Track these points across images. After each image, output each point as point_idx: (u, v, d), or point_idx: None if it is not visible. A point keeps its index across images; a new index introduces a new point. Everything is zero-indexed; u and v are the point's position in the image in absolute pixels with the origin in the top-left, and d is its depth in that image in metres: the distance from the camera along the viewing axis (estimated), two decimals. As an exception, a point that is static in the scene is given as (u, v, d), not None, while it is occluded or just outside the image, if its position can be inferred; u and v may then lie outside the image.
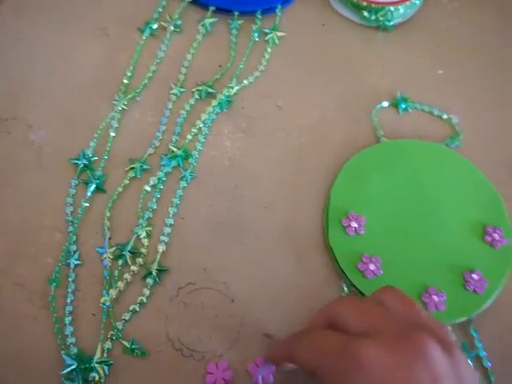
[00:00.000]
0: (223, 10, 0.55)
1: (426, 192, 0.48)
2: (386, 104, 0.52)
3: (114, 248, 0.44)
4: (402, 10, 0.55)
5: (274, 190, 0.48)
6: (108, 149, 0.47)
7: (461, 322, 0.44)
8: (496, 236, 0.46)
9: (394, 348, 0.28)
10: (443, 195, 0.48)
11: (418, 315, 0.32)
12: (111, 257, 0.43)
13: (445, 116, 0.52)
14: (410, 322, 0.31)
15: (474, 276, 0.45)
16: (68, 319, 0.41)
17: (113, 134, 0.48)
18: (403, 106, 0.52)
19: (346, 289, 0.44)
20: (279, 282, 0.45)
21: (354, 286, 0.44)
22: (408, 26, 0.57)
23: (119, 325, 0.41)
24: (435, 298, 0.43)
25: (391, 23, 0.56)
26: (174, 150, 0.47)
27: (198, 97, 0.50)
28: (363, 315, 0.32)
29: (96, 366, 0.40)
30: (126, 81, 0.50)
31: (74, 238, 0.44)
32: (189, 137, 0.48)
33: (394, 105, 0.52)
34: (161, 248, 0.44)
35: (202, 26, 0.54)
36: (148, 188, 0.46)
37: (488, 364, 0.43)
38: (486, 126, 0.53)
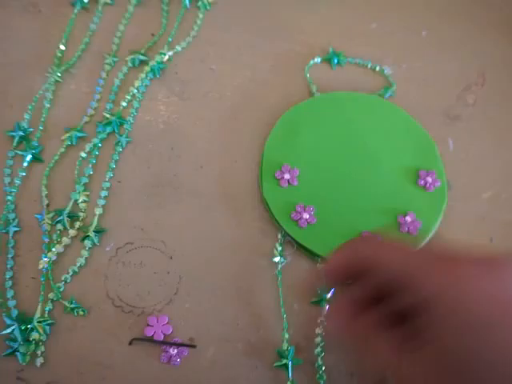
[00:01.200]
0: (154, -20, 0.55)
1: (359, 141, 0.49)
2: (318, 60, 0.53)
3: (53, 214, 0.45)
4: (331, -33, 0.56)
5: (210, 150, 0.49)
6: (43, 120, 0.48)
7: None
8: (429, 179, 0.47)
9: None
10: (377, 144, 0.49)
11: None
12: (50, 222, 0.44)
13: (378, 68, 0.53)
14: None
15: (408, 218, 0.46)
16: (8, 283, 0.42)
17: (48, 106, 0.48)
18: (336, 60, 0.53)
19: (281, 238, 0.45)
20: (216, 237, 0.46)
21: (290, 236, 0.45)
22: (340, -18, 0.58)
23: (59, 286, 0.42)
24: (369, 241, 0.44)
25: (322, -19, 0.56)
26: (108, 116, 0.48)
27: (131, 65, 0.51)
28: None
29: (36, 325, 0.41)
30: (59, 54, 0.51)
31: (13, 206, 0.45)
32: (123, 104, 0.49)
33: (327, 60, 0.53)
34: (98, 211, 0.45)
35: (134, -4, 0.54)
36: (84, 154, 0.47)
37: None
38: (419, 76, 0.54)
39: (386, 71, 0.53)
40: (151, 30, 0.53)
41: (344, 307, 0.33)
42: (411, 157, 0.49)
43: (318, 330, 0.43)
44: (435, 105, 0.52)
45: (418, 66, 0.54)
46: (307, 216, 0.45)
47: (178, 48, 0.52)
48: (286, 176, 0.46)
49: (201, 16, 0.54)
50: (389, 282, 0.31)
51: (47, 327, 0.41)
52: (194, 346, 0.42)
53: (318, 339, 0.43)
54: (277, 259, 0.45)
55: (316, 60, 0.53)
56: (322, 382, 0.41)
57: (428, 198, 0.47)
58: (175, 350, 0.41)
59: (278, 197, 0.46)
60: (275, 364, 0.42)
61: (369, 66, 0.53)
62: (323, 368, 0.42)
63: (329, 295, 0.43)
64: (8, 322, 0.41)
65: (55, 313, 0.42)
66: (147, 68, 0.50)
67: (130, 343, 0.41)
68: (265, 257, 0.45)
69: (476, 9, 0.58)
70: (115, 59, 0.51)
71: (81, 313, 0.42)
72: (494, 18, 0.58)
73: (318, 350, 0.42)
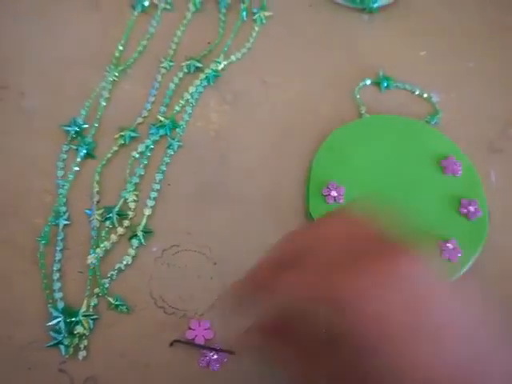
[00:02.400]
0: (213, -11, 0.57)
1: (404, 165, 0.50)
2: (368, 82, 0.54)
3: (102, 210, 0.45)
4: (386, -7, 0.57)
5: (258, 160, 0.49)
6: (98, 117, 0.49)
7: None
8: (471, 208, 0.48)
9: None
10: (421, 168, 0.50)
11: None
12: (99, 218, 0.45)
13: (425, 95, 0.54)
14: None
15: (449, 245, 0.46)
16: (56, 275, 0.43)
17: (103, 104, 0.49)
18: (385, 84, 0.54)
19: (323, 254, 0.46)
20: (260, 247, 0.46)
21: (332, 252, 0.46)
22: (393, 8, 0.59)
23: (105, 282, 0.43)
24: (410, 264, 0.45)
25: (376, 5, 0.57)
26: (162, 119, 0.49)
27: (186, 70, 0.52)
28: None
29: (81, 319, 0.41)
30: (117, 54, 0.52)
31: (64, 200, 0.45)
32: (176, 108, 0.50)
33: (377, 83, 0.54)
34: (147, 211, 0.46)
35: (192, 3, 0.55)
36: (136, 155, 0.48)
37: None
38: (465, 105, 0.54)
39: (433, 98, 0.54)
40: (207, 38, 0.54)
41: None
42: (454, 184, 0.49)
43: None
44: (479, 136, 0.53)
45: (464, 96, 0.55)
46: (351, 234, 0.46)
47: (233, 58, 0.53)
48: (333, 193, 0.47)
49: (256, 29, 0.55)
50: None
51: (91, 322, 0.42)
52: (233, 353, 0.42)
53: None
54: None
55: (366, 82, 0.54)
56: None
57: (469, 227, 0.48)
58: (215, 356, 0.42)
59: (324, 213, 0.47)
60: (311, 377, 0.42)
61: (417, 92, 0.54)
62: None
63: None
64: (54, 313, 0.41)
65: (99, 308, 0.43)
66: (202, 75, 0.51)
67: (171, 344, 0.42)
68: (306, 270, 0.46)
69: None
70: (171, 63, 0.52)
71: (124, 310, 0.42)
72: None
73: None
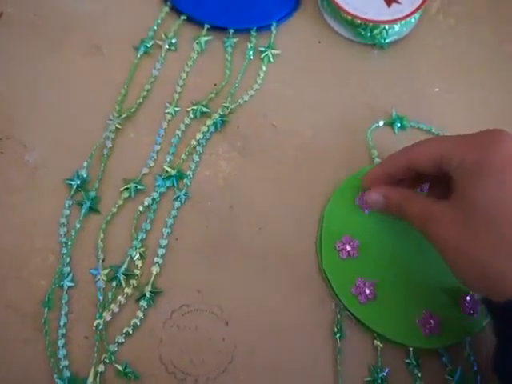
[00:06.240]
0: (218, 28, 0.54)
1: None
2: (381, 123, 0.52)
3: (108, 270, 0.43)
4: (397, 28, 0.55)
5: (269, 211, 0.47)
6: (102, 169, 0.47)
7: (456, 344, 0.44)
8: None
9: None
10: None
11: None
12: (105, 279, 0.43)
13: (441, 134, 0.52)
14: None
15: (469, 299, 0.45)
16: (61, 342, 0.41)
17: (106, 154, 0.47)
18: (399, 124, 0.52)
19: (339, 316, 0.44)
20: (273, 304, 0.45)
21: (348, 310, 0.44)
22: (404, 43, 0.57)
23: (112, 348, 0.41)
24: (431, 321, 0.43)
25: (386, 41, 0.55)
26: (169, 170, 0.47)
27: (192, 116, 0.50)
28: None
29: (88, 390, 0.39)
30: (120, 100, 0.50)
31: (68, 259, 0.44)
32: (183, 157, 0.48)
33: (390, 124, 0.52)
34: (154, 270, 0.44)
35: (197, 43, 0.53)
36: (142, 208, 0.46)
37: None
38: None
39: (448, 139, 0.52)
40: (214, 79, 0.52)
41: (380, 178, 0.44)
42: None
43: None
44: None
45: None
46: (368, 291, 0.44)
47: (241, 101, 0.51)
48: (348, 248, 0.45)
49: (264, 69, 0.53)
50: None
51: (99, 392, 0.40)
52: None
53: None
54: (337, 335, 0.43)
55: (379, 123, 0.52)
56: None
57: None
58: None
59: (338, 268, 0.45)
60: None
61: (432, 131, 0.52)
62: None
63: None
64: (60, 384, 0.39)
65: (106, 375, 0.41)
66: (209, 121, 0.49)
67: None
68: (322, 329, 0.44)
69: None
70: (177, 109, 0.50)
71: (133, 378, 0.41)
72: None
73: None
